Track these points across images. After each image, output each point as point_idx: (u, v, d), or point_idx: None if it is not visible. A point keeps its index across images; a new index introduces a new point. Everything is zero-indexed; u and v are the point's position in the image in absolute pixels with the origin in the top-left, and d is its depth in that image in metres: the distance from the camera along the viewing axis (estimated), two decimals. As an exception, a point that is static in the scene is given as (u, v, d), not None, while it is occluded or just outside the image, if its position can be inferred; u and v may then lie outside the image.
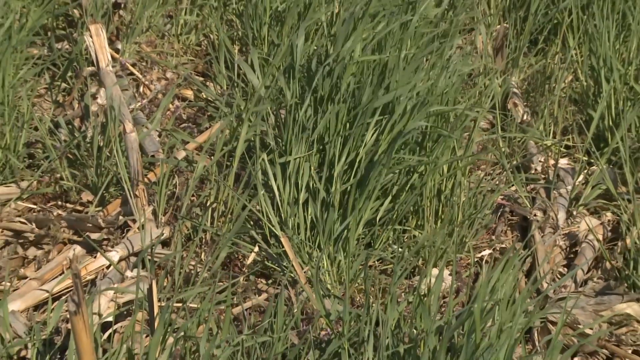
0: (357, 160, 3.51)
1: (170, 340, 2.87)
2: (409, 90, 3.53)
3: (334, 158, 3.50)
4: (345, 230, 3.47)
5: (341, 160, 3.49)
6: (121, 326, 3.10)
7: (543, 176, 4.02)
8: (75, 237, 3.55)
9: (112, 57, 4.23)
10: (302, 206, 3.49)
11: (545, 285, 3.46)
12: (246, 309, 3.30)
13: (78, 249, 3.50)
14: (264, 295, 3.40)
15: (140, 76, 4.45)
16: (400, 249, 3.57)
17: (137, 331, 2.96)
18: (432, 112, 3.60)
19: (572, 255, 3.71)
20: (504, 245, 3.72)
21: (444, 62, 3.81)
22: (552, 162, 4.06)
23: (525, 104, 4.43)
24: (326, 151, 3.51)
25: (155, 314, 2.84)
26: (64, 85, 4.36)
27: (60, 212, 3.70)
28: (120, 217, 3.58)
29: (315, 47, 3.86)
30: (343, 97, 3.53)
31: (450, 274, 3.45)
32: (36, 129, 3.97)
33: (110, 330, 3.06)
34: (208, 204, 3.59)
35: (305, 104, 3.54)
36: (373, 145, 3.51)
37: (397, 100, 3.52)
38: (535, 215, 3.79)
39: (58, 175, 3.79)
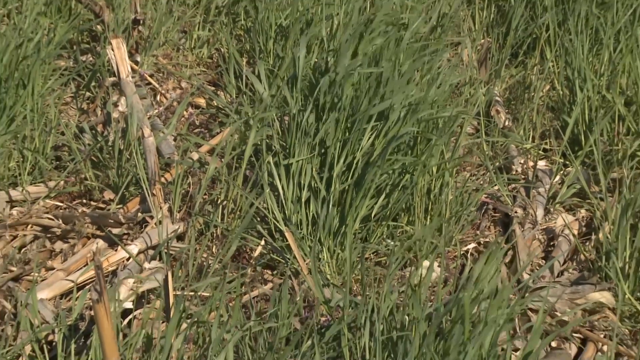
0: (355, 162, 3.51)
1: (185, 325, 2.86)
2: (402, 99, 3.53)
3: (333, 160, 3.50)
4: (344, 226, 3.46)
5: (340, 163, 3.49)
6: (140, 313, 3.09)
7: (523, 177, 4.02)
8: (98, 232, 3.54)
9: (132, 68, 4.23)
10: (304, 204, 3.49)
11: (525, 275, 3.45)
12: (253, 298, 3.29)
13: (100, 242, 3.49)
14: (270, 285, 3.39)
15: (157, 86, 4.45)
16: (393, 243, 3.57)
17: (154, 318, 2.96)
18: (422, 118, 3.60)
19: (549, 249, 3.71)
20: (487, 239, 3.71)
21: (433, 73, 3.81)
22: (531, 163, 4.06)
23: (506, 111, 4.43)
24: (326, 154, 3.51)
25: (171, 302, 2.83)
26: (88, 94, 4.35)
27: (84, 209, 3.70)
28: (139, 214, 3.57)
29: (315, 60, 3.86)
30: (343, 105, 3.53)
31: (439, 266, 3.45)
32: (63, 133, 3.97)
33: (129, 317, 3.06)
34: (219, 201, 3.58)
35: (308, 111, 3.54)
36: (369, 148, 3.51)
37: (392, 108, 3.52)
38: (516, 212, 3.79)
39: (83, 176, 3.79)
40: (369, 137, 3.53)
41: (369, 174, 3.46)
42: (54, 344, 3.01)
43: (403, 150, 3.61)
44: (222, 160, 3.65)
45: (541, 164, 4.07)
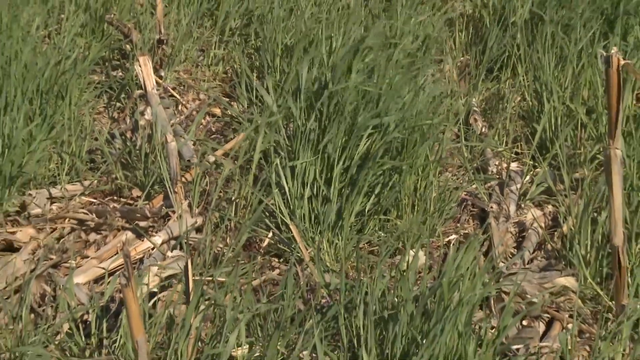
0: (351, 165, 3.50)
1: (202, 307, 2.86)
2: (395, 110, 3.53)
3: (333, 163, 3.49)
4: (341, 220, 3.46)
5: (339, 165, 3.48)
6: (163, 296, 3.09)
7: (497, 176, 4.00)
8: (126, 225, 3.54)
9: (157, 82, 4.23)
10: (307, 200, 3.48)
11: (499, 263, 3.45)
12: (262, 282, 3.29)
13: (129, 234, 3.49)
14: (277, 271, 3.39)
15: (178, 97, 4.44)
16: (384, 235, 3.56)
17: (176, 300, 2.95)
18: (408, 125, 3.59)
19: (520, 239, 3.70)
20: (466, 231, 3.71)
21: (420, 86, 3.81)
22: (504, 165, 4.05)
23: (483, 119, 4.42)
24: (327, 157, 3.51)
25: (190, 286, 2.82)
26: (118, 104, 4.35)
27: (115, 205, 3.69)
28: (163, 209, 3.57)
29: (316, 75, 3.86)
30: (344, 116, 3.54)
31: (424, 254, 3.44)
32: (96, 139, 3.96)
33: (154, 299, 3.05)
34: (232, 198, 3.58)
35: (311, 120, 3.54)
36: (364, 153, 3.51)
37: (386, 118, 3.53)
38: (491, 207, 3.78)
39: (113, 176, 3.78)
40: (365, 143, 3.52)
41: (362, 174, 3.46)
42: (88, 322, 3.00)
43: (391, 153, 3.61)
44: (236, 162, 3.65)
45: (513, 165, 4.06)
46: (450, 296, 2.76)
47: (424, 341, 2.69)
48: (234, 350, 2.77)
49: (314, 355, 2.88)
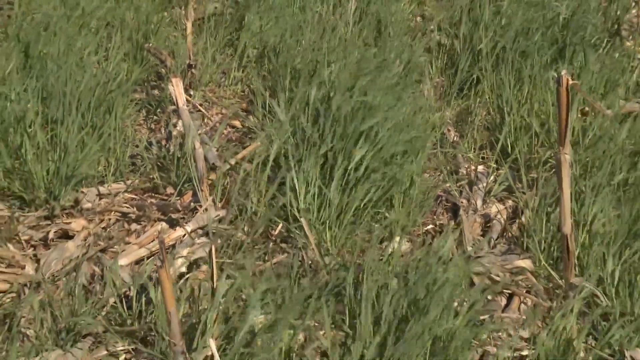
0: (349, 170, 3.49)
1: (224, 284, 2.84)
2: (383, 121, 3.52)
3: (334, 166, 3.47)
4: (341, 213, 3.44)
5: (340, 168, 3.46)
6: (192, 275, 3.07)
7: (467, 177, 3.98)
8: (162, 217, 3.51)
9: (187, 99, 4.21)
10: (312, 197, 3.46)
11: (469, 248, 3.42)
12: (274, 264, 3.27)
13: (164, 224, 3.46)
14: (286, 255, 3.36)
15: (204, 112, 4.42)
16: (375, 225, 3.54)
17: (202, 278, 2.94)
18: (399, 140, 3.58)
19: (486, 229, 3.68)
20: (442, 222, 3.68)
21: (402, 102, 3.79)
22: (473, 167, 4.02)
23: (455, 130, 4.40)
24: (328, 161, 3.49)
25: (214, 267, 2.81)
26: (155, 117, 4.32)
27: (152, 200, 3.67)
28: (192, 204, 3.55)
29: (321, 92, 3.84)
30: (341, 126, 3.52)
31: (407, 241, 3.43)
32: (137, 146, 3.94)
33: (184, 278, 3.03)
34: (250, 194, 3.55)
35: (315, 131, 3.52)
36: (360, 158, 3.50)
37: (379, 125, 3.52)
38: (462, 202, 3.76)
39: (151, 176, 3.76)
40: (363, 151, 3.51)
41: (360, 179, 3.45)
42: (129, 297, 2.99)
43: (386, 159, 3.59)
44: (252, 165, 3.63)
45: (480, 168, 4.04)
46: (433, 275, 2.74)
47: (414, 311, 2.67)
48: (253, 320, 2.75)
49: (318, 324, 2.86)
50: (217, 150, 3.95)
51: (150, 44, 4.62)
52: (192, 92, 4.50)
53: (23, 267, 3.16)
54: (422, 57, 4.66)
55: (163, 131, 4.21)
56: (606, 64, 4.43)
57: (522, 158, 3.88)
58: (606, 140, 3.84)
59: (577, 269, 3.25)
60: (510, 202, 3.83)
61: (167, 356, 2.75)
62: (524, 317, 3.09)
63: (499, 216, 3.68)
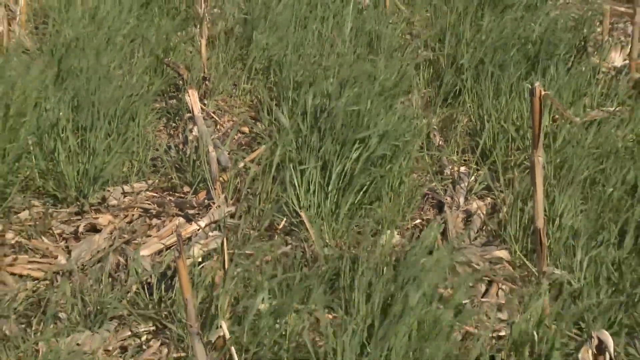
0: (345, 171, 3.48)
1: (235, 272, 2.83)
2: (377, 127, 3.51)
3: (332, 167, 3.47)
4: (338, 209, 3.43)
5: (337, 169, 3.45)
6: (206, 264, 3.06)
7: (451, 177, 3.98)
8: (179, 213, 3.51)
9: (202, 108, 4.20)
10: (312, 194, 3.45)
11: (453, 240, 3.42)
12: (279, 254, 3.26)
13: (181, 219, 3.46)
14: (289, 246, 3.35)
15: (217, 119, 4.41)
16: (368, 220, 3.53)
17: (215, 267, 2.93)
18: (390, 142, 3.57)
19: (468, 223, 3.67)
20: (428, 217, 3.68)
21: (393, 110, 3.79)
22: (456, 169, 4.02)
23: (440, 135, 4.39)
24: (327, 163, 3.48)
25: (226, 257, 2.80)
26: (173, 124, 4.32)
27: (171, 198, 3.66)
28: (206, 201, 3.54)
29: (318, 101, 3.83)
30: (337, 132, 3.51)
31: (397, 234, 3.42)
32: (157, 149, 3.94)
33: (199, 267, 3.03)
34: (257, 193, 3.55)
35: (314, 135, 3.51)
36: (355, 160, 3.49)
37: (370, 134, 3.51)
38: (446, 199, 3.75)
39: (170, 177, 3.76)
40: (355, 154, 3.50)
41: (355, 178, 3.44)
42: (151, 284, 2.98)
43: (377, 161, 3.58)
44: (259, 166, 3.62)
45: (462, 169, 4.03)
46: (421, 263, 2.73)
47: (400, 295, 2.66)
48: (260, 305, 2.74)
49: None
50: (229, 154, 3.95)
51: (169, 59, 4.62)
52: (206, 102, 4.50)
53: (56, 257, 3.17)
54: (411, 71, 4.66)
55: (180, 136, 4.21)
56: (574, 77, 4.43)
57: (499, 160, 3.87)
58: (574, 144, 3.83)
59: (548, 259, 3.24)
60: (489, 200, 3.83)
61: (184, 337, 2.75)
62: (502, 301, 3.08)
63: (479, 212, 3.67)
